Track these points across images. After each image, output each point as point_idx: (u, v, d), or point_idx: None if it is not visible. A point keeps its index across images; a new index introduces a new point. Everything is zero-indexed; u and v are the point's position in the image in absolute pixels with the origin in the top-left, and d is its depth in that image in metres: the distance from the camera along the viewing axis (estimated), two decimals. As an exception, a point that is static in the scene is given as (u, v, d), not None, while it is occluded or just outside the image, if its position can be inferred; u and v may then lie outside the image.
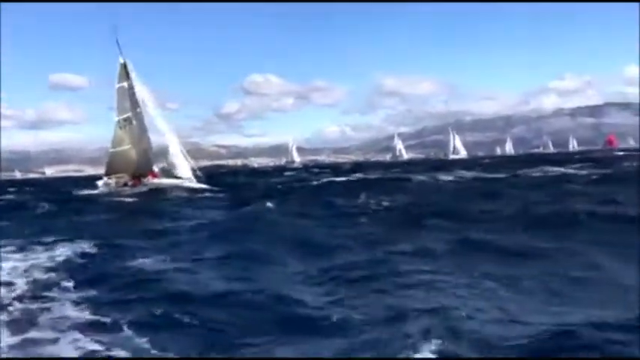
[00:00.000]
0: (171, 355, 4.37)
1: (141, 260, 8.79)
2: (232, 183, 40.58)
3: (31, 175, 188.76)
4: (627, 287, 6.11)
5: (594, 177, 27.55)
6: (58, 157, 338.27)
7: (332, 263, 8.00)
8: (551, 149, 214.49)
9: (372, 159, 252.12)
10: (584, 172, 33.98)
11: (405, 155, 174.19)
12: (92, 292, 6.63)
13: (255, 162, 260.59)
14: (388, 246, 9.27)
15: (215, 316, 5.38)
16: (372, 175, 43.66)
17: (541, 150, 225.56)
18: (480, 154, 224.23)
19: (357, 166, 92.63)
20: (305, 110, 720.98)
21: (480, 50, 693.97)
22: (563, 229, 10.19)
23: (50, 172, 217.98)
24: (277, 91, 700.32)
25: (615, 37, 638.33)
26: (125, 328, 5.11)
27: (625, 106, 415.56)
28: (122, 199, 27.01)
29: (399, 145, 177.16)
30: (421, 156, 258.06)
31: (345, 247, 9.50)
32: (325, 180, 39.32)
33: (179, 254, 9.38)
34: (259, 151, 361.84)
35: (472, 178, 31.43)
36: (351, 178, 40.32)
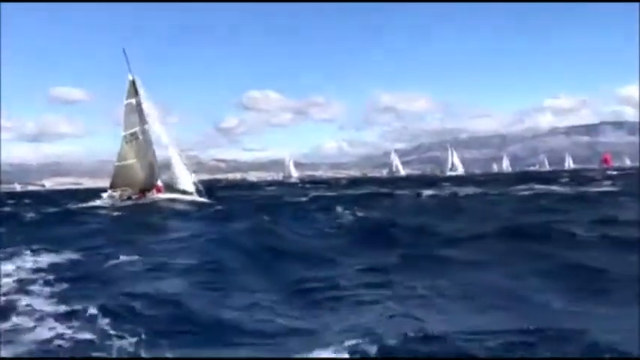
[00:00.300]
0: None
1: (117, 265, 9.83)
2: (227, 196, 41.54)
3: (31, 188, 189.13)
4: (533, 299, 6.76)
5: (570, 195, 28.65)
6: (57, 169, 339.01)
7: (289, 275, 8.77)
8: (547, 167, 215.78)
9: (370, 174, 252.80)
10: (566, 189, 35.19)
11: (402, 171, 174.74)
12: (68, 289, 7.68)
13: (254, 176, 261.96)
14: (345, 257, 10.12)
15: (164, 311, 6.38)
16: (362, 191, 44.65)
17: (537, 168, 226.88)
18: (477, 171, 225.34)
19: (352, 182, 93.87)
20: (303, 126, 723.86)
21: (475, 68, 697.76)
22: (506, 242, 11.16)
23: (49, 184, 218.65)
24: (276, 107, 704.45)
25: (610, 57, 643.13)
26: (92, 315, 6.09)
27: (620, 125, 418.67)
28: (117, 212, 27.57)
29: (395, 161, 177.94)
30: (417, 172, 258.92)
31: (307, 257, 10.41)
32: (314, 194, 40.48)
33: (154, 261, 10.35)
34: (258, 166, 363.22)
35: (452, 194, 32.45)
36: (339, 194, 41.40)
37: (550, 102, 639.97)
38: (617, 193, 28.47)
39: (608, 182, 44.19)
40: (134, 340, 5.21)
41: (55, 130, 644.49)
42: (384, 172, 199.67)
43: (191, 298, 7.08)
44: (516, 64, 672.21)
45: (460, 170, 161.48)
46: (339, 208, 20.32)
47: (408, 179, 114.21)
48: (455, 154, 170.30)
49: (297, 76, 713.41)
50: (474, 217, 16.99)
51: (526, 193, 32.21)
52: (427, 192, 33.72)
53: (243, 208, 27.62)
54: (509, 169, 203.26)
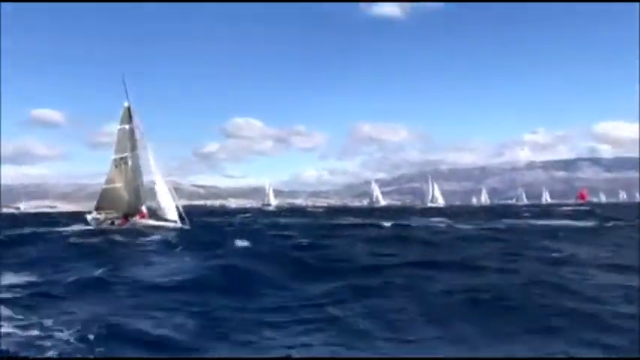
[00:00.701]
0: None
1: (68, 284, 10.87)
2: (198, 222, 42.26)
3: (5, 210, 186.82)
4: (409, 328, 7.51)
5: (529, 229, 30.19)
6: (34, 192, 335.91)
7: (216, 295, 9.71)
8: (525, 201, 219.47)
9: (350, 204, 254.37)
10: (522, 222, 37.03)
11: (382, 201, 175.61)
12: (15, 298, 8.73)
13: (233, 203, 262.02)
14: (277, 285, 10.97)
15: (92, 320, 7.41)
16: (335, 221, 45.69)
17: (515, 201, 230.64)
18: (458, 203, 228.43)
19: (330, 212, 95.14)
20: (284, 154, 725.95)
21: (456, 101, 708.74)
22: (421, 269, 12.28)
23: (24, 207, 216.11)
24: (258, 134, 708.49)
25: (587, 95, 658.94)
26: (30, 318, 7.24)
27: (596, 161, 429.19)
28: (79, 239, 26.40)
29: (376, 191, 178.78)
30: (397, 203, 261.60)
31: (239, 282, 11.31)
32: (284, 221, 41.61)
33: (102, 280, 11.37)
34: (238, 193, 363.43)
35: (406, 226, 33.91)
36: (309, 223, 42.56)
37: (529, 137, 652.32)
38: (568, 229, 29.91)
39: (581, 217, 45.95)
40: (67, 338, 6.35)
41: (33, 152, 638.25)
42: (365, 202, 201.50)
43: (117, 312, 8.23)
44: (497, 99, 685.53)
45: (441, 202, 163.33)
46: (297, 237, 21.41)
47: (386, 210, 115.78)
48: (436, 185, 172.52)
49: (279, 104, 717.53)
50: (412, 246, 18.28)
51: (488, 225, 33.69)
52: (387, 224, 35.09)
53: (207, 234, 28.51)
54: (488, 202, 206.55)
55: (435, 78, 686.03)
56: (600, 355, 6.15)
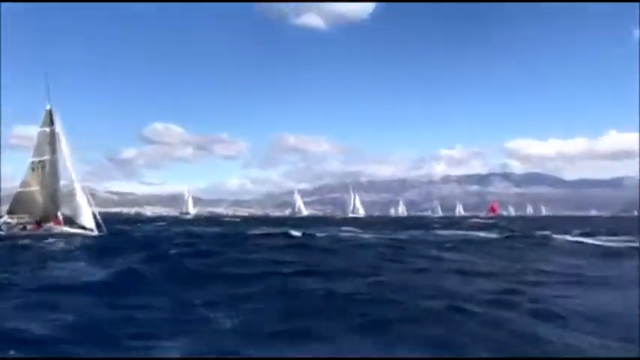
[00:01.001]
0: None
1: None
2: (112, 230, 41.45)
3: None
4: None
5: (422, 238, 32.10)
6: None
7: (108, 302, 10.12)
8: (440, 213, 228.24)
9: (272, 214, 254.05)
10: (428, 233, 39.21)
11: (304, 211, 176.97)
12: None
13: (150, 211, 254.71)
14: (160, 288, 11.47)
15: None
16: (252, 231, 45.92)
17: (430, 213, 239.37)
18: (377, 213, 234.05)
19: (248, 221, 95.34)
20: (206, 161, 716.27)
21: (377, 115, 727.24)
22: (304, 275, 13.25)
23: None
24: (178, 141, 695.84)
25: (501, 114, 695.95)
26: None
27: (507, 176, 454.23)
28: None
29: (298, 201, 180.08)
30: (319, 213, 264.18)
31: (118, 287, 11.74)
32: (196, 230, 41.69)
33: None
34: (156, 200, 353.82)
35: (310, 235, 35.49)
36: (223, 231, 42.88)
37: (446, 152, 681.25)
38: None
39: (485, 229, 48.95)
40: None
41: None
42: (287, 212, 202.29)
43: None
44: (417, 115, 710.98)
45: (361, 212, 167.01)
46: (200, 245, 21.93)
47: (304, 219, 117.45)
48: (357, 196, 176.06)
49: (200, 110, 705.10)
50: (310, 254, 19.34)
51: (393, 235, 35.45)
52: (298, 233, 36.17)
53: (114, 241, 28.27)
54: (405, 214, 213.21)
55: (357, 91, 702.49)
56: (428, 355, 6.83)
